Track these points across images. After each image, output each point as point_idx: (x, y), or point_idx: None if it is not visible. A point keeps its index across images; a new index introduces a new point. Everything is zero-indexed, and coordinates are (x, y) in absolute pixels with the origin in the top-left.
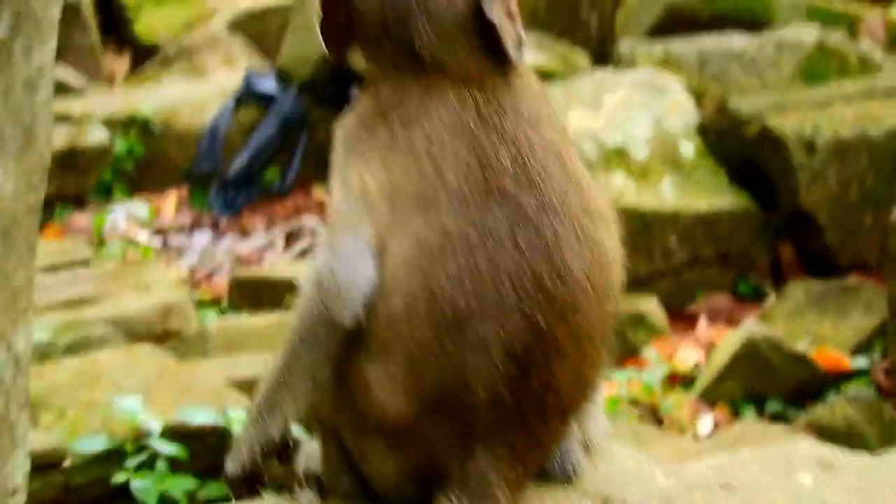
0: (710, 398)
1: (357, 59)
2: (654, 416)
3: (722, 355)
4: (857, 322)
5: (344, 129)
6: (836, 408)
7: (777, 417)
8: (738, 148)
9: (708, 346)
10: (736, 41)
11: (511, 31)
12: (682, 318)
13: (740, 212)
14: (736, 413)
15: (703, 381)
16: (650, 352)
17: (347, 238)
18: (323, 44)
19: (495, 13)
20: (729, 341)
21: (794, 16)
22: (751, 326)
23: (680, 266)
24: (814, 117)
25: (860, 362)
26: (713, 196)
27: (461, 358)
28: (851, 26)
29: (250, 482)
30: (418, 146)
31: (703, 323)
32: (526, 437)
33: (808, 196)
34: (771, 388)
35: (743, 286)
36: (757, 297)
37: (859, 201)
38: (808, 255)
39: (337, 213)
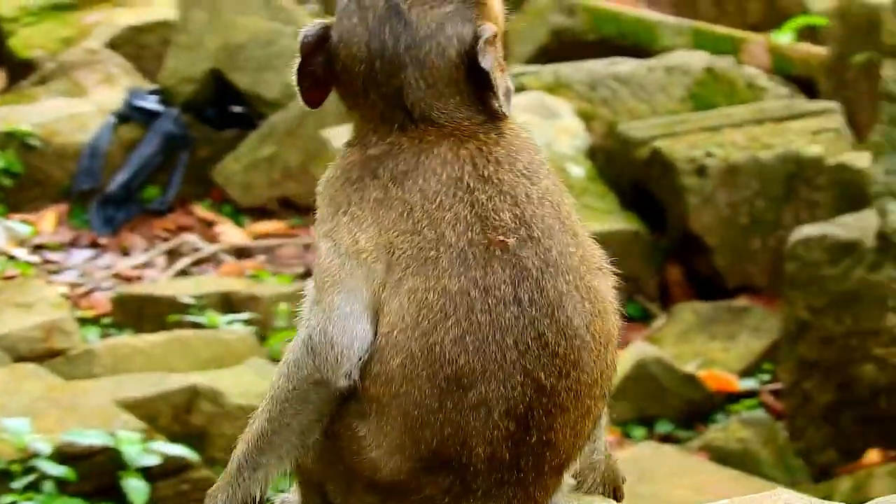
0: None
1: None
2: None
3: None
4: (745, 344)
5: (328, 183)
6: (730, 430)
7: (666, 439)
8: (627, 171)
9: None
10: (625, 65)
11: (501, 80)
12: None
13: (629, 234)
14: (627, 435)
15: None
16: None
17: (341, 298)
18: (298, 90)
19: (488, 62)
20: (618, 363)
21: (679, 40)
22: (641, 348)
23: None
24: (704, 141)
25: (749, 384)
26: (603, 219)
27: (461, 418)
28: (735, 51)
29: None
30: (413, 203)
31: None
32: (522, 494)
33: (698, 219)
34: (661, 409)
35: (631, 308)
36: (645, 318)
37: (748, 224)
38: (697, 278)
39: (326, 271)
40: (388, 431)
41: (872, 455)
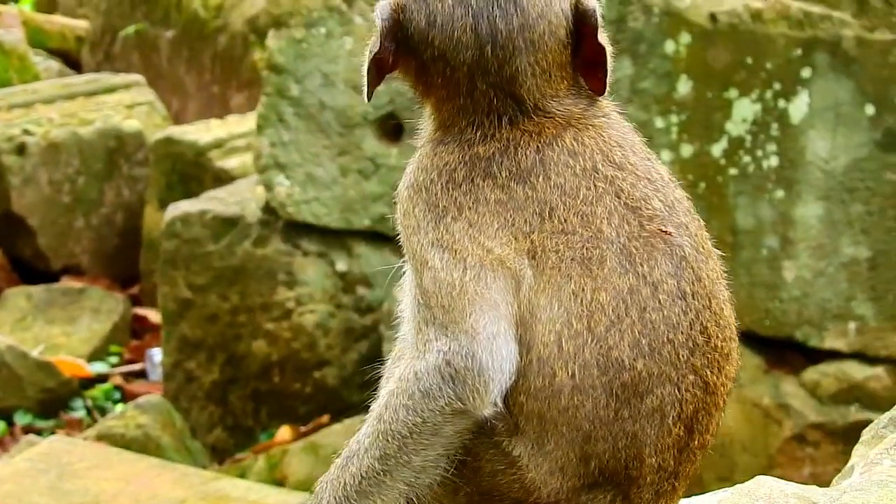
0: None
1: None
2: None
3: None
4: (88, 327)
5: (422, 187)
6: (128, 417)
7: (29, 430)
8: None
9: None
10: None
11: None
12: None
13: None
14: None
15: None
16: None
17: (486, 317)
18: (367, 80)
19: (605, 38)
20: None
21: None
22: None
23: None
24: (18, 118)
25: (99, 367)
26: None
27: (637, 427)
28: None
29: None
30: (552, 201)
31: None
32: (671, 500)
33: (19, 200)
34: (18, 400)
35: None
36: None
37: (71, 203)
38: (21, 261)
39: (451, 286)
40: (552, 450)
41: (284, 433)
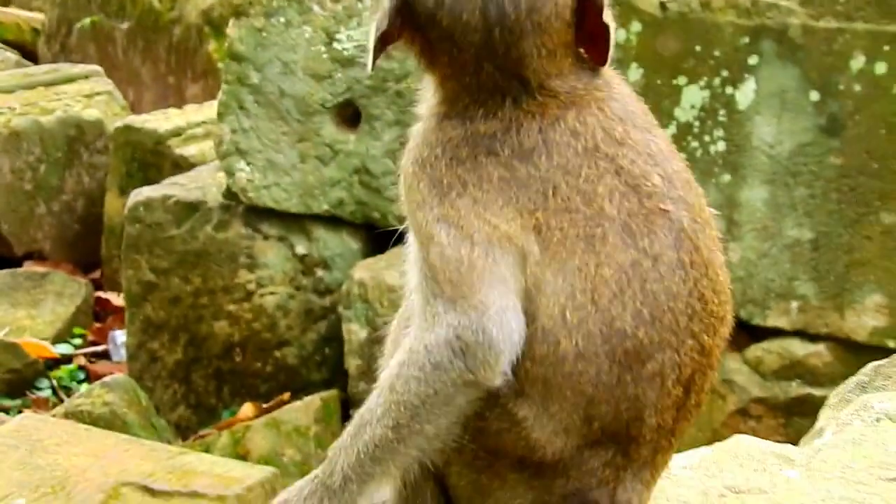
0: None
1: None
2: None
3: None
4: (52, 310)
5: (426, 161)
6: (94, 395)
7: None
8: None
9: None
10: None
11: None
12: None
13: None
14: None
15: None
16: None
17: (495, 291)
18: (373, 51)
19: (609, 15)
20: None
21: None
22: None
23: None
24: None
25: (63, 349)
26: None
27: (638, 390)
28: None
29: None
30: (555, 180)
31: None
32: (668, 458)
33: None
34: None
35: None
36: None
37: (33, 190)
38: None
39: (459, 261)
40: (556, 412)
41: (247, 410)
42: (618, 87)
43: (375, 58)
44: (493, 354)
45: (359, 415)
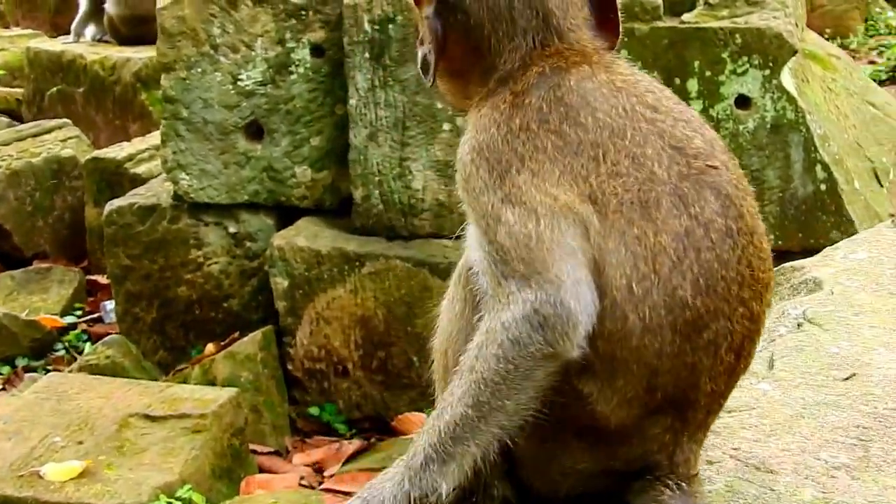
0: None
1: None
2: None
3: None
4: (58, 293)
5: (480, 149)
6: (98, 352)
7: (27, 370)
8: None
9: None
10: None
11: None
12: None
13: None
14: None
15: None
16: None
17: (567, 265)
18: (432, 74)
19: None
20: None
21: None
22: None
23: None
24: None
25: (70, 319)
26: None
27: (696, 359)
28: None
29: None
30: (603, 143)
31: None
32: (716, 417)
33: None
34: (17, 350)
35: None
36: None
37: (33, 210)
38: (2, 254)
39: (529, 238)
40: (621, 386)
41: (210, 348)
42: (623, 60)
43: (434, 73)
44: (572, 325)
45: (440, 399)
